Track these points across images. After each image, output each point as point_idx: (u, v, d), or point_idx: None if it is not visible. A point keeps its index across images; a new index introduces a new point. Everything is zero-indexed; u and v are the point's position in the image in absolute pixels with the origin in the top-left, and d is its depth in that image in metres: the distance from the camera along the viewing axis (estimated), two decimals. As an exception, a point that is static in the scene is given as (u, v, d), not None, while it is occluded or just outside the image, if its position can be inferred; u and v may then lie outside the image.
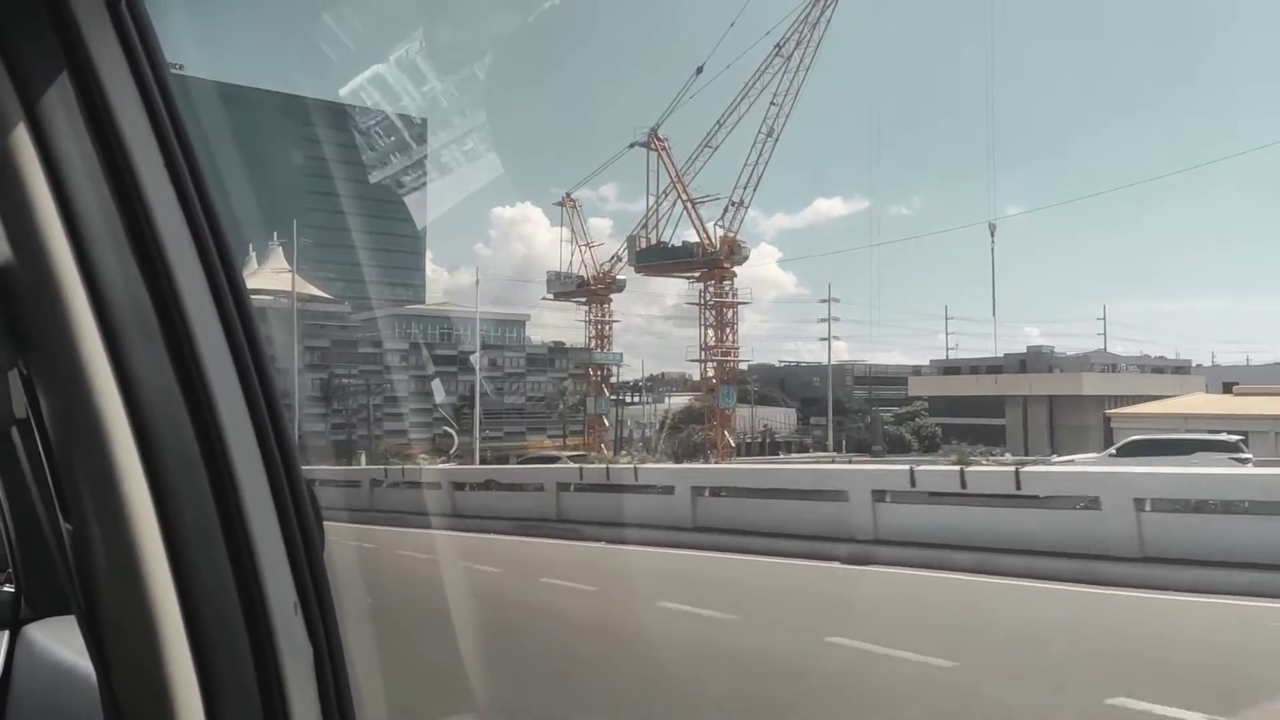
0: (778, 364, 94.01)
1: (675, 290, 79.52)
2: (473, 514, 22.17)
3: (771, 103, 61.29)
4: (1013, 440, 59.52)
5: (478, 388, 64.78)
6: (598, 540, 18.61)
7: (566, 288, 72.41)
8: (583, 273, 70.85)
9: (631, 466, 22.92)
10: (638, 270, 69.66)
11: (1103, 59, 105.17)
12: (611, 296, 71.83)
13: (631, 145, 67.39)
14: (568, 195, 70.78)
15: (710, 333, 67.82)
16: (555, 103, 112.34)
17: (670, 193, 67.93)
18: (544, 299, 73.53)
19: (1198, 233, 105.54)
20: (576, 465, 24.24)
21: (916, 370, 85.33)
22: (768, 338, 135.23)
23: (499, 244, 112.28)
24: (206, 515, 0.99)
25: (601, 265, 70.56)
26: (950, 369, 72.01)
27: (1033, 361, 64.72)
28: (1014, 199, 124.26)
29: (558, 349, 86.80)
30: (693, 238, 68.10)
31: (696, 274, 67.44)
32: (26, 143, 0.97)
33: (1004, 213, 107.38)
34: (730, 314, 67.71)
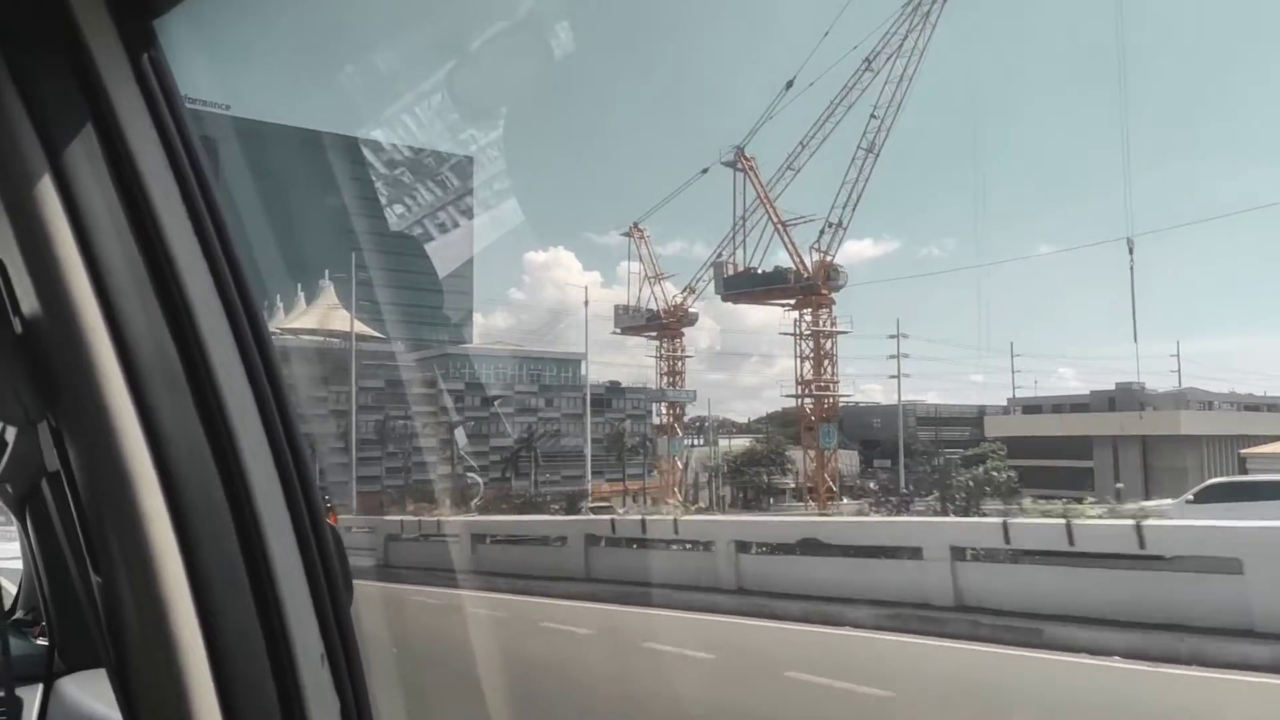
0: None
1: (707, 329, 76.41)
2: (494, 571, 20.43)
3: (872, 115, 56.32)
4: (1102, 484, 55.74)
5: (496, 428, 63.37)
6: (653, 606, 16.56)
7: (636, 322, 68.54)
8: (652, 305, 67.32)
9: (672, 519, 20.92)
10: (724, 299, 64.84)
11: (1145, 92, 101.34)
12: (683, 330, 67.66)
13: (704, 171, 63.30)
14: (635, 225, 67.11)
15: (806, 365, 62.26)
16: (590, 144, 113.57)
17: (753, 214, 63.20)
18: (612, 333, 70.44)
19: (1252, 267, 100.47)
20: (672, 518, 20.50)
21: (981, 410, 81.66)
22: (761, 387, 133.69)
23: (531, 288, 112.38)
24: (234, 566, 1.01)
25: (673, 297, 66.65)
26: (1031, 408, 68.30)
27: (1123, 399, 60.67)
28: (1045, 237, 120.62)
29: (614, 389, 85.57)
30: (782, 262, 63.76)
31: (791, 301, 62.27)
32: (52, 196, 0.99)
33: (1036, 250, 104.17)
34: (830, 345, 61.87)
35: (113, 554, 1.02)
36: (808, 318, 61.67)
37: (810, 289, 60.51)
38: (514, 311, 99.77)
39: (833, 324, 62.01)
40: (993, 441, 72.31)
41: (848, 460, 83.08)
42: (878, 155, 57.01)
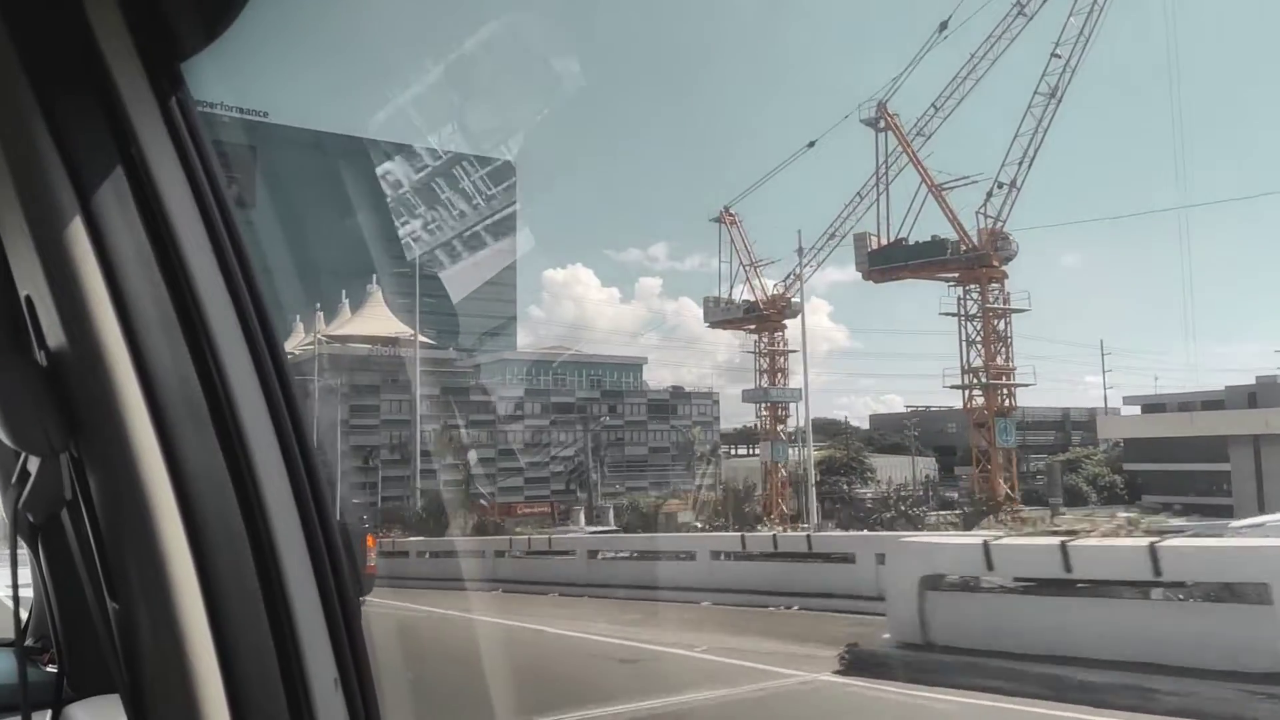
0: (905, 409, 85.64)
1: (729, 338, 68.48)
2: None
3: (1054, 54, 46.03)
4: (1240, 489, 50.22)
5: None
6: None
7: (730, 315, 59.69)
8: (749, 297, 58.80)
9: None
10: (867, 276, 54.42)
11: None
12: (784, 323, 58.59)
13: (811, 144, 54.39)
14: (726, 210, 59.07)
15: (972, 351, 51.28)
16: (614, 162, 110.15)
17: (884, 181, 52.75)
18: (707, 327, 62.63)
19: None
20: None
21: (1066, 414, 76.23)
22: (823, 391, 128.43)
23: (550, 305, 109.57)
24: (250, 593, 1.05)
25: (775, 286, 58.19)
26: (1153, 406, 62.63)
27: (1265, 395, 55.01)
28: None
29: (678, 393, 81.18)
30: (928, 232, 52.68)
31: (953, 276, 51.40)
32: (81, 234, 1.04)
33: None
34: (1004, 326, 50.76)
35: (131, 581, 1.04)
36: (975, 294, 50.92)
37: (978, 261, 49.78)
38: (532, 326, 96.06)
39: (1006, 300, 51.03)
40: (1093, 446, 66.72)
41: (922, 468, 77.84)
42: (1060, 100, 46.74)
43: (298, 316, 65.60)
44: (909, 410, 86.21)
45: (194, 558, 1.02)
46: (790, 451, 58.92)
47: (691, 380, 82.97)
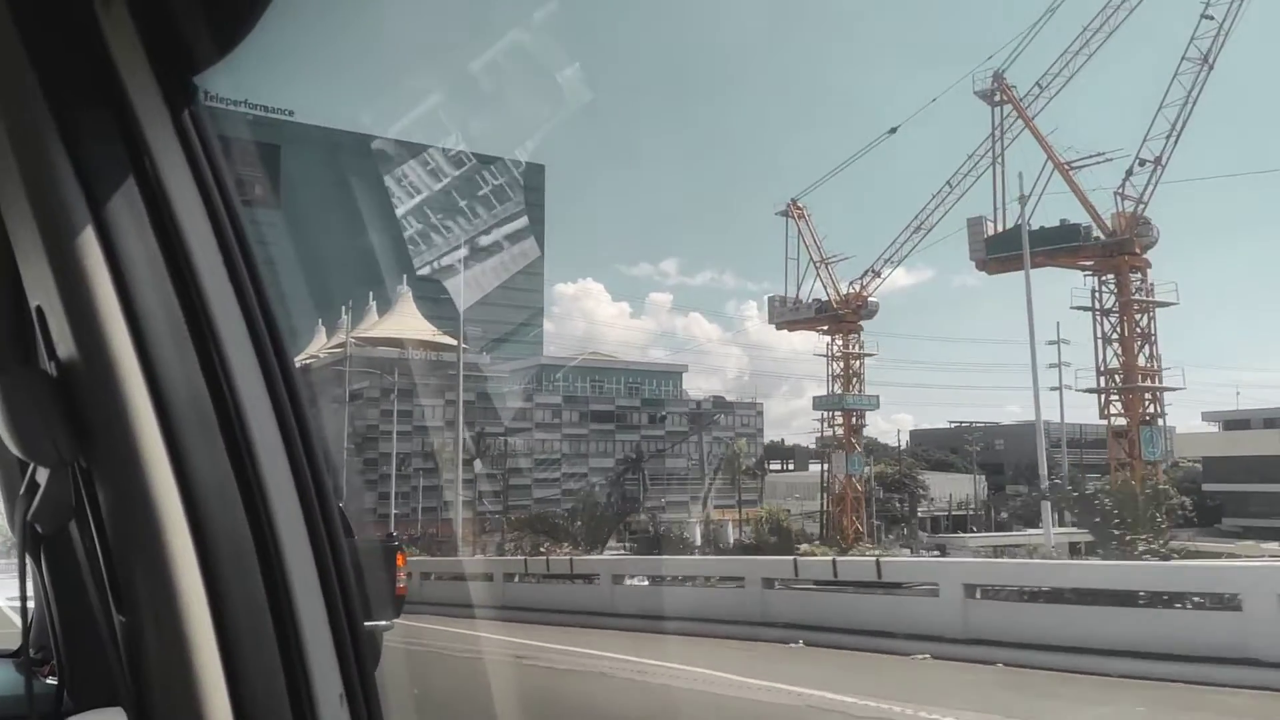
0: (949, 424, 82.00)
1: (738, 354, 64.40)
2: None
3: (1204, 15, 40.82)
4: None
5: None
6: None
7: (800, 315, 54.90)
8: (819, 295, 54.02)
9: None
10: (981, 266, 48.80)
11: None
12: (861, 324, 53.73)
13: (893, 131, 50.58)
14: (793, 203, 54.72)
15: (1109, 350, 45.00)
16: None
17: (1001, 161, 46.95)
18: (775, 326, 56.93)
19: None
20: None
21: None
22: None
23: (561, 319, 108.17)
24: (257, 607, 1.06)
25: (852, 284, 53.44)
26: (1236, 423, 58.86)
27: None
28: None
29: (720, 403, 78.31)
30: (1050, 217, 46.49)
31: (1089, 264, 45.44)
32: (94, 245, 1.05)
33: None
34: (1148, 322, 44.61)
35: (138, 594, 1.05)
36: (1112, 284, 44.81)
37: (1118, 247, 43.71)
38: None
39: (1149, 293, 44.57)
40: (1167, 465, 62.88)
41: (970, 486, 74.35)
42: (1212, 66, 41.37)
43: (320, 320, 63.58)
44: (954, 425, 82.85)
45: (201, 570, 1.02)
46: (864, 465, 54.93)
47: (729, 391, 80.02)
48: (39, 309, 1.14)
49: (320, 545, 1.12)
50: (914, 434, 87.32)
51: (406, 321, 66.75)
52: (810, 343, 59.72)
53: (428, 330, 66.68)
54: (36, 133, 1.06)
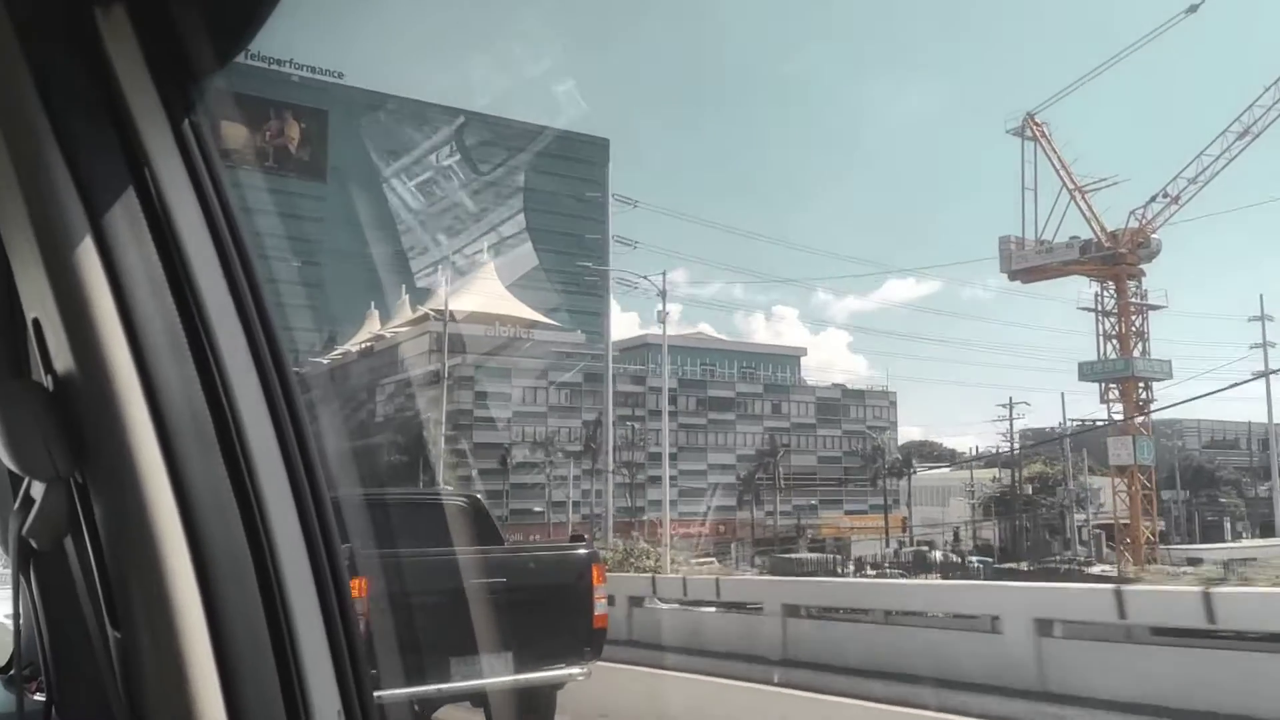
0: (1058, 425, 71.63)
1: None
2: None
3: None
4: None
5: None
6: None
7: (1053, 258, 45.17)
8: (1070, 234, 45.14)
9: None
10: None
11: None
12: (1142, 268, 43.79)
13: (1192, 9, 41.90)
14: (1030, 118, 45.90)
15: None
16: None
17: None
18: (1009, 276, 47.30)
19: None
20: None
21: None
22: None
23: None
24: (256, 624, 1.08)
25: (1134, 213, 43.21)
26: None
27: None
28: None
29: (852, 394, 69.50)
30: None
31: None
32: (92, 256, 1.06)
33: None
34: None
35: (133, 610, 1.06)
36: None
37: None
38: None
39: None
40: None
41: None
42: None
43: (378, 297, 56.45)
44: (1075, 423, 72.70)
45: (199, 586, 1.03)
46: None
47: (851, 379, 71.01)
48: (36, 321, 1.14)
49: (319, 561, 1.12)
50: (1023, 433, 77.14)
51: (488, 295, 59.19)
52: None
53: (513, 304, 59.44)
54: (34, 142, 1.06)
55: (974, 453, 76.79)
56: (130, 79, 1.11)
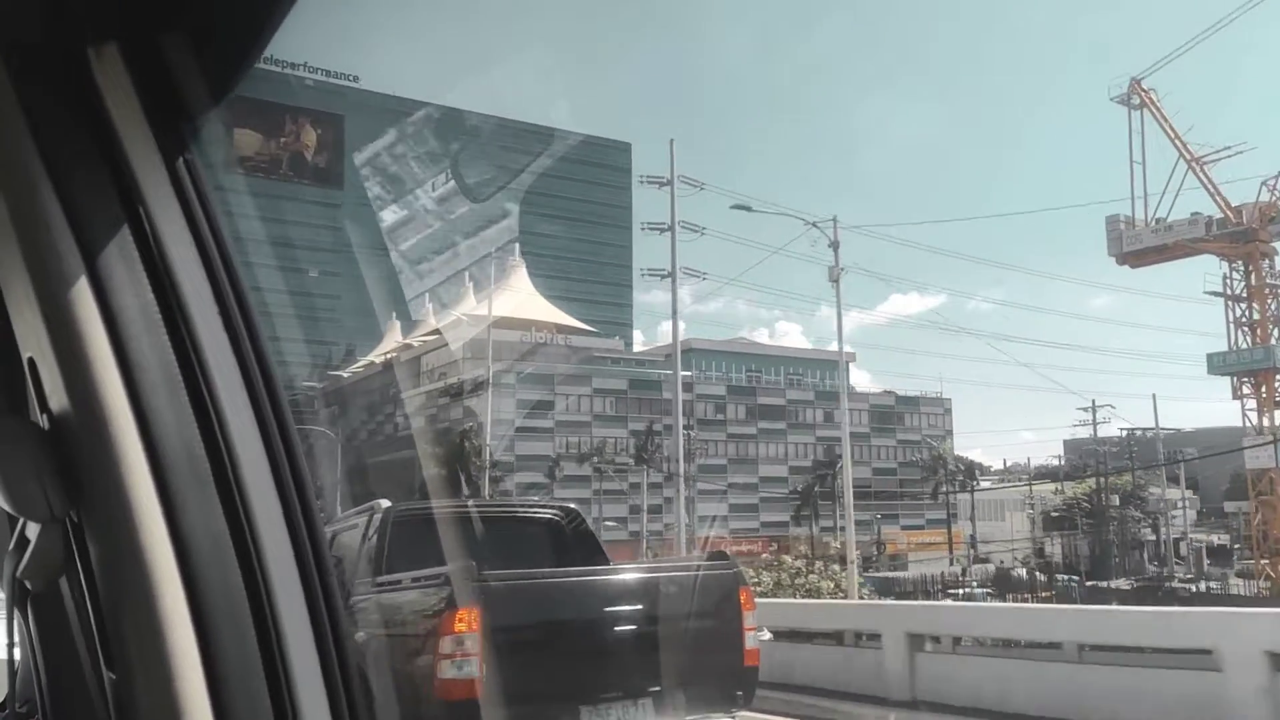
0: (1121, 431, 67.93)
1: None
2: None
3: None
4: None
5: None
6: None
7: (1166, 238, 41.56)
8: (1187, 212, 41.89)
9: None
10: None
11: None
12: (1277, 245, 40.20)
13: None
14: (1136, 83, 42.84)
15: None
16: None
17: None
18: (1118, 260, 43.46)
19: None
20: None
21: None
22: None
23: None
24: (252, 665, 1.08)
25: (1267, 183, 39.47)
26: None
27: None
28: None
29: (906, 400, 66.28)
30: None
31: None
32: (87, 297, 1.07)
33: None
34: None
35: (129, 651, 1.07)
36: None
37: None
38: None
39: None
40: None
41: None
42: None
43: (393, 313, 54.27)
44: (1127, 433, 69.26)
45: (194, 627, 1.03)
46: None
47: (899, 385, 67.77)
48: (31, 360, 1.15)
49: (315, 601, 1.13)
50: (1069, 444, 73.32)
51: (518, 300, 56.52)
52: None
53: (545, 308, 56.73)
54: (28, 181, 1.08)
55: (1028, 463, 73.89)
56: (124, 118, 1.11)
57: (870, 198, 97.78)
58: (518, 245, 50.23)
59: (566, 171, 59.74)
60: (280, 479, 1.14)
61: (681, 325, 31.23)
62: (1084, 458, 65.10)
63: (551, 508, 8.16)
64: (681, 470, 28.76)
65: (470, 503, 14.75)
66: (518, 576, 6.04)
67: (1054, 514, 60.90)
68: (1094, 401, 56.51)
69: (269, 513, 1.11)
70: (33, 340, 1.13)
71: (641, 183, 30.87)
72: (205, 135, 1.22)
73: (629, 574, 7.06)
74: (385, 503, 6.90)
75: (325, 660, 1.12)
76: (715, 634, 6.19)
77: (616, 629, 5.84)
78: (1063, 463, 68.97)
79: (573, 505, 8.55)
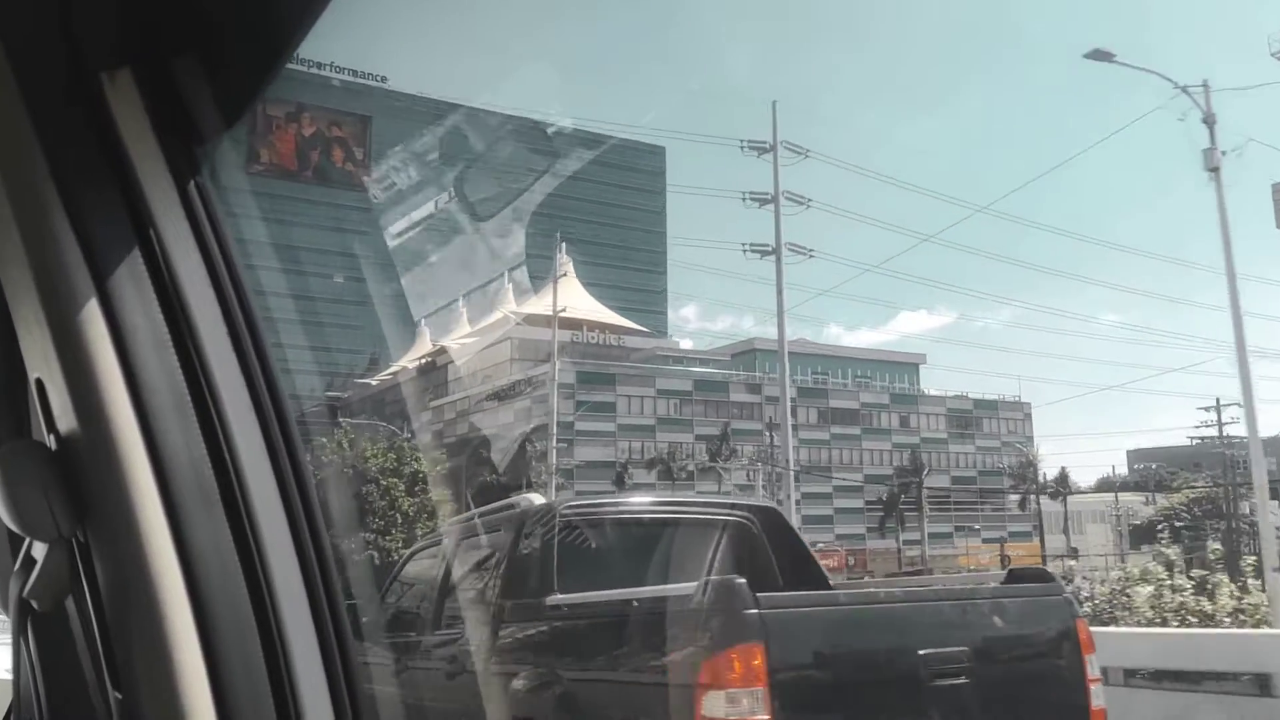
0: (1190, 441, 63.10)
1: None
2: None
3: None
4: None
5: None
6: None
7: None
8: None
9: None
10: None
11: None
12: None
13: None
14: None
15: None
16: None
17: None
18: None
19: None
20: None
21: None
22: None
23: None
24: (259, 685, 1.09)
25: None
26: None
27: None
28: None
29: (984, 403, 62.48)
30: None
31: None
32: (97, 317, 1.09)
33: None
34: None
35: (135, 670, 1.08)
36: None
37: None
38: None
39: None
40: None
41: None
42: None
43: (423, 318, 52.08)
44: (1194, 442, 64.76)
45: (201, 647, 1.04)
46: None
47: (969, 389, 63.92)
48: (39, 381, 1.17)
49: (323, 621, 1.14)
50: (1132, 453, 68.41)
51: (569, 299, 53.99)
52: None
53: (597, 308, 54.01)
54: (39, 203, 1.10)
55: (1113, 472, 69.62)
56: (135, 142, 1.13)
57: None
58: (564, 244, 47.67)
59: (598, 175, 58.05)
60: (288, 499, 1.14)
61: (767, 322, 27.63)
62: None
63: (744, 507, 6.69)
64: (791, 477, 25.38)
65: (648, 501, 12.15)
66: (805, 602, 4.59)
67: (1145, 524, 56.78)
68: (1219, 400, 52.11)
69: (276, 533, 1.11)
70: (41, 361, 1.14)
71: (743, 148, 27.82)
72: (218, 157, 1.23)
73: (944, 599, 5.51)
74: (535, 498, 5.84)
75: (333, 680, 1.12)
76: (1051, 681, 4.59)
77: (936, 673, 4.24)
78: (1129, 473, 64.82)
79: (770, 504, 7.71)
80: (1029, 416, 62.79)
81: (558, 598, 4.68)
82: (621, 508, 6.94)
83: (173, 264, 1.13)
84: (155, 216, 1.14)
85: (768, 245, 26.73)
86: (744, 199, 27.40)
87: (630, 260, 68.42)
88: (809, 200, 28.97)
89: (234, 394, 1.13)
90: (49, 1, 1.13)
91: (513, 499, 6.05)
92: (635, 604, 4.70)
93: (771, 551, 5.74)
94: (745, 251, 28.63)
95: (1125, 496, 59.32)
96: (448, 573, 5.75)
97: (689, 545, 5.62)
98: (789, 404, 26.68)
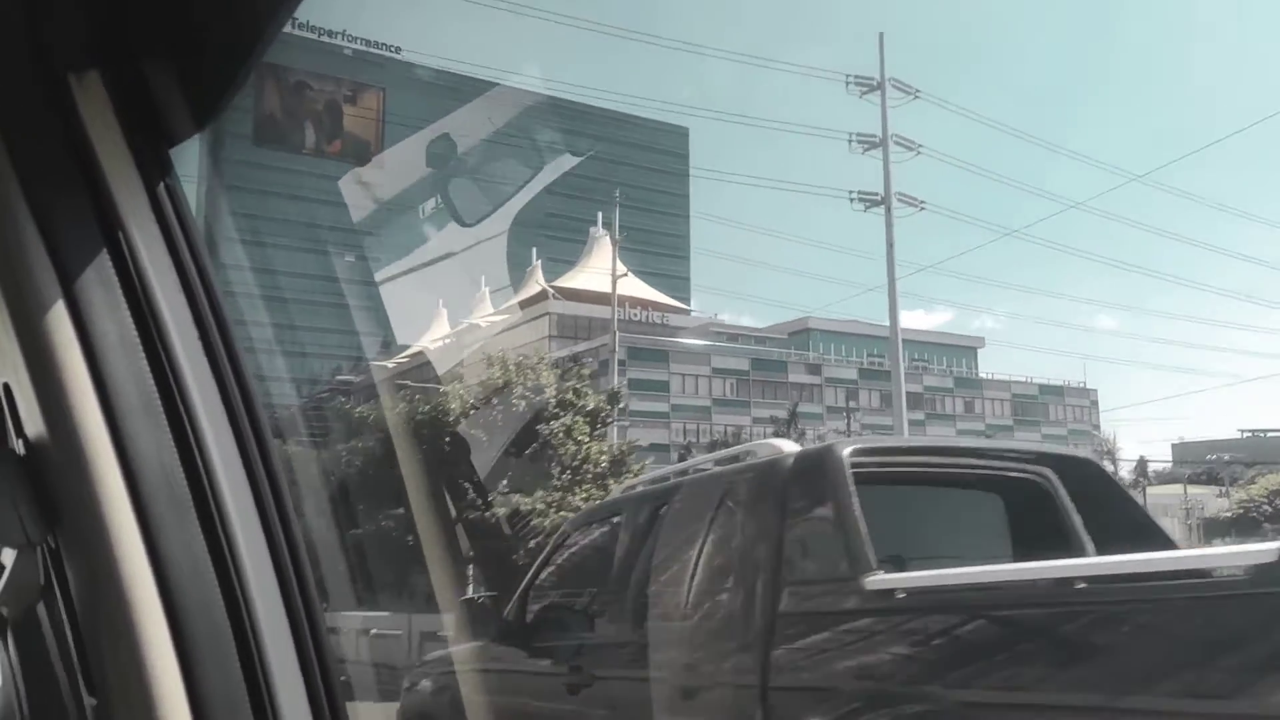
0: (1240, 434, 59.72)
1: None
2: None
3: None
4: None
5: None
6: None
7: None
8: None
9: None
10: None
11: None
12: None
13: None
14: None
15: None
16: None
17: None
18: None
19: None
20: None
21: None
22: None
23: None
24: (235, 690, 1.09)
25: None
26: None
27: None
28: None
29: (1049, 389, 59.34)
30: None
31: None
32: (65, 322, 1.09)
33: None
34: None
35: (108, 675, 1.08)
36: None
37: None
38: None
39: None
40: None
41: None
42: None
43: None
44: (1248, 435, 61.39)
45: (175, 651, 1.04)
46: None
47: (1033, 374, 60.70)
48: (6, 386, 1.17)
49: (299, 624, 1.13)
50: (1177, 447, 64.28)
51: (604, 276, 51.45)
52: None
53: (638, 285, 51.35)
54: (5, 207, 1.09)
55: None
56: (104, 144, 1.13)
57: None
58: (601, 218, 45.19)
59: (620, 155, 56.07)
60: (261, 501, 1.13)
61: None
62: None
63: (1054, 455, 5.11)
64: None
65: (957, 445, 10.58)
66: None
67: (1221, 518, 53.62)
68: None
69: (250, 535, 1.11)
70: (8, 365, 1.13)
71: (847, 85, 24.80)
72: (188, 159, 1.22)
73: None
74: (786, 444, 4.50)
75: (310, 683, 1.12)
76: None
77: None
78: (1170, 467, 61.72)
79: (1084, 454, 6.83)
80: (1095, 404, 59.78)
81: (881, 578, 3.52)
82: (928, 457, 5.29)
83: (142, 267, 1.11)
84: (124, 219, 1.11)
85: (877, 194, 23.68)
86: (850, 140, 24.45)
87: (653, 243, 66.47)
88: (920, 145, 25.91)
89: (206, 397, 1.12)
90: (14, 2, 1.11)
91: (747, 445, 5.36)
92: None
93: (1101, 510, 4.60)
94: (852, 200, 25.72)
95: (1193, 490, 56.28)
96: (636, 548, 4.65)
97: (1025, 504, 4.41)
98: (902, 380, 23.70)
